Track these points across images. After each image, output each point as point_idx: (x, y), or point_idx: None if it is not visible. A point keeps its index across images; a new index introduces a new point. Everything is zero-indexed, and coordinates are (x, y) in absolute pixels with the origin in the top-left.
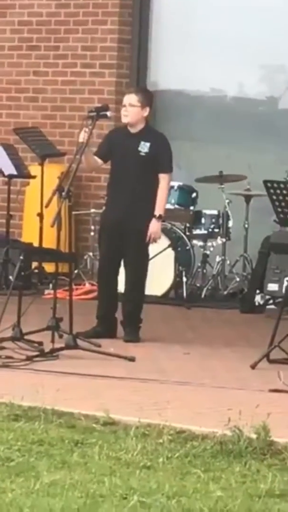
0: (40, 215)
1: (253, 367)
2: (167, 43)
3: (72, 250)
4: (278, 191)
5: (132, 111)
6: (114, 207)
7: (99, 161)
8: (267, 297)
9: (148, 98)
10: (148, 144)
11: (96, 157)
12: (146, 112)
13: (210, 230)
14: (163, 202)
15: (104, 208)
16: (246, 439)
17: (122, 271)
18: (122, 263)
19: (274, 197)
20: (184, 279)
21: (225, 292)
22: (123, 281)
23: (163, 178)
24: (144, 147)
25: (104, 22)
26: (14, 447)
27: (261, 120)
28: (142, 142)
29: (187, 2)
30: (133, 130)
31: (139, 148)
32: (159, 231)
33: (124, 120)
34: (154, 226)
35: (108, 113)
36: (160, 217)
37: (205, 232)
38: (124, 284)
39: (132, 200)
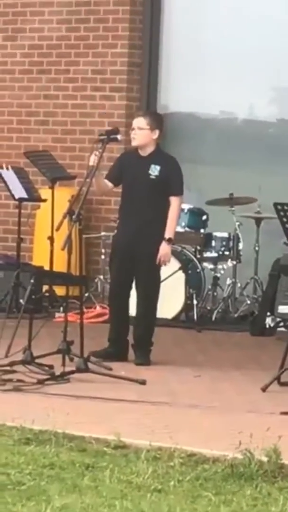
0: (51, 239)
1: (264, 389)
2: (177, 66)
3: (83, 273)
4: None
5: (140, 134)
6: (125, 230)
7: (110, 184)
8: (278, 319)
9: (158, 121)
10: (158, 167)
11: (106, 181)
12: (155, 135)
13: (220, 252)
14: (173, 225)
15: (115, 231)
16: (257, 462)
17: (133, 294)
18: (133, 285)
19: (285, 220)
20: (195, 301)
21: (236, 315)
22: (135, 304)
23: (173, 201)
24: (154, 170)
25: (114, 45)
26: (25, 470)
27: (271, 142)
28: (153, 165)
29: (197, 25)
30: (143, 153)
31: (150, 171)
32: (169, 254)
33: (133, 143)
34: (164, 249)
35: (119, 137)
36: (170, 240)
37: (216, 254)
38: (136, 307)
39: (142, 223)
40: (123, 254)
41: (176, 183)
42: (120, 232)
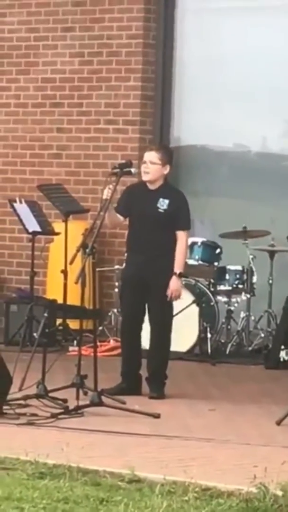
0: (64, 272)
1: (278, 423)
2: (190, 99)
3: (97, 307)
4: None
5: (153, 168)
6: (134, 263)
7: (121, 217)
8: None
9: (169, 155)
10: (167, 201)
11: (117, 214)
12: (166, 170)
13: (234, 286)
14: (182, 259)
15: (124, 264)
16: (272, 496)
17: (146, 327)
18: (145, 319)
19: None
20: (209, 335)
21: (250, 348)
22: (148, 337)
23: (181, 235)
24: (163, 203)
25: (127, 78)
26: (39, 505)
27: (285, 175)
28: (161, 199)
29: (210, 58)
30: (152, 187)
31: (158, 205)
32: (180, 288)
33: (145, 177)
34: (174, 284)
35: (133, 170)
36: (180, 274)
37: (230, 288)
38: (150, 340)
39: (152, 256)
40: (134, 287)
41: (184, 217)
42: (129, 265)
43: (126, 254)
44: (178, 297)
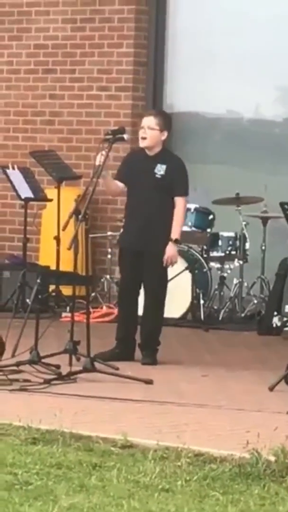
0: (57, 238)
1: (271, 389)
2: (183, 66)
3: (89, 273)
4: None
5: (151, 134)
6: (131, 230)
7: (121, 184)
8: (285, 319)
9: (167, 122)
10: (164, 167)
11: (117, 181)
12: (164, 136)
13: (227, 252)
14: (179, 226)
15: (121, 230)
16: (264, 461)
17: (141, 293)
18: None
19: None
20: (202, 301)
21: (243, 314)
22: (142, 303)
23: (178, 201)
24: (160, 169)
25: (120, 45)
26: (32, 470)
27: (277, 141)
28: (159, 165)
29: (203, 24)
30: (150, 153)
31: (155, 171)
32: (176, 254)
33: (142, 144)
34: (171, 250)
35: (125, 136)
36: (176, 241)
37: (222, 254)
38: (143, 307)
39: (148, 222)
40: (131, 253)
41: (181, 183)
42: (126, 232)
43: (124, 220)
44: (174, 263)
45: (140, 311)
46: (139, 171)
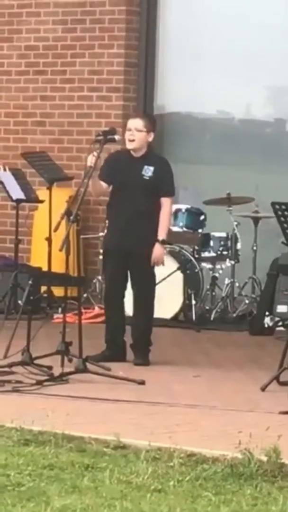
0: (49, 239)
1: (263, 389)
2: (174, 66)
3: (81, 274)
4: (286, 213)
5: (138, 135)
6: (117, 230)
7: (105, 185)
8: (276, 319)
9: (153, 123)
10: (152, 168)
11: (101, 181)
12: (150, 137)
13: (218, 252)
14: (166, 226)
15: (105, 231)
16: (256, 461)
17: (129, 293)
18: (129, 286)
19: (282, 219)
20: (193, 301)
21: (234, 315)
22: (131, 303)
23: (165, 202)
24: (148, 171)
25: (111, 46)
26: (24, 472)
27: (268, 141)
28: (146, 166)
29: (194, 25)
30: (136, 154)
31: (143, 172)
32: (163, 255)
33: (130, 145)
34: (158, 250)
35: (116, 137)
36: (163, 241)
37: (214, 254)
38: (133, 307)
39: (135, 224)
40: (116, 254)
41: (168, 184)
42: (111, 233)
43: (107, 222)
44: (160, 264)
45: (131, 311)
46: (125, 172)
